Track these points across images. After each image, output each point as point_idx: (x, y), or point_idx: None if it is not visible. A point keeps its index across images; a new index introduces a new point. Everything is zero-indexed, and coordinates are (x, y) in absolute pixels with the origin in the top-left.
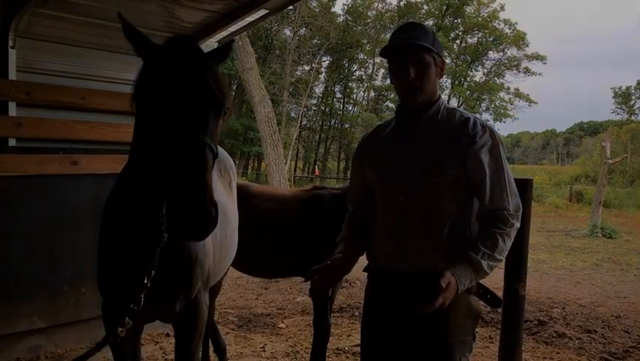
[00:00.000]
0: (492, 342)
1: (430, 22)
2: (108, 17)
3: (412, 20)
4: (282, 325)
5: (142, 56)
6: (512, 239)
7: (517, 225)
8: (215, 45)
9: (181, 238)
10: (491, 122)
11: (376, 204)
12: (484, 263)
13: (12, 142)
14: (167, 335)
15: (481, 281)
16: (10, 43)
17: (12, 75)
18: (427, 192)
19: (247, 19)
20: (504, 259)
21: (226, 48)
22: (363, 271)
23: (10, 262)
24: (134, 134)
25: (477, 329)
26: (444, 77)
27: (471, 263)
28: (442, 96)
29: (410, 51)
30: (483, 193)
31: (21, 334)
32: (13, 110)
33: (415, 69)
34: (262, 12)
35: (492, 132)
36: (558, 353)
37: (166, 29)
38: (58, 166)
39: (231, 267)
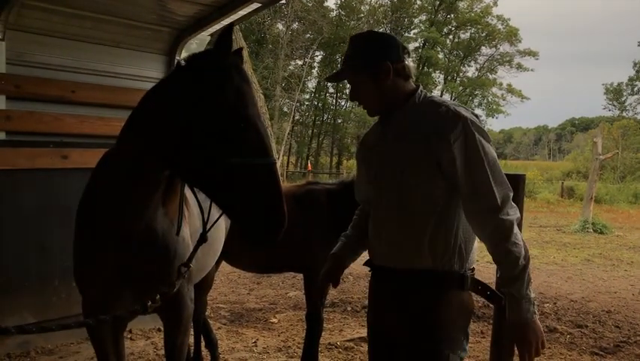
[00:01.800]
0: (484, 337)
1: (422, 18)
2: (98, 10)
3: (353, 34)
4: (274, 320)
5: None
6: (516, 225)
7: (512, 212)
8: (208, 39)
9: (255, 242)
10: (484, 117)
11: (370, 203)
12: (520, 284)
13: (1, 135)
14: (159, 330)
15: (477, 277)
16: (0, 36)
17: (1, 68)
18: (405, 192)
19: (240, 12)
20: (526, 261)
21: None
22: (364, 265)
23: (1, 256)
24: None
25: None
26: (435, 72)
27: (515, 292)
28: (421, 89)
29: (342, 78)
30: (464, 190)
31: None
32: (2, 103)
33: (351, 91)
34: (255, 5)
35: (466, 122)
36: (549, 348)
37: (159, 23)
38: (49, 160)
39: (224, 262)
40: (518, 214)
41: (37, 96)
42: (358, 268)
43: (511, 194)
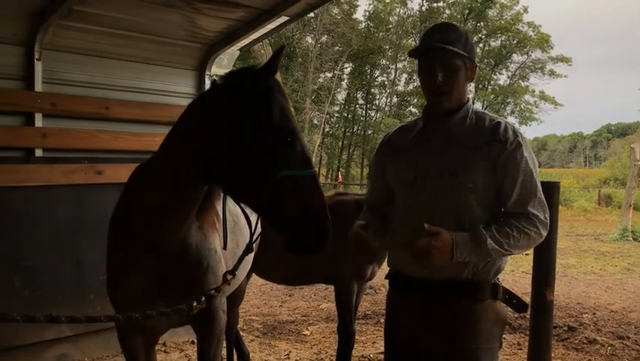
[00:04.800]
0: (520, 348)
1: None
2: (130, 28)
3: (445, 21)
4: (306, 332)
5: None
6: (532, 242)
7: (543, 233)
8: (237, 53)
9: (301, 253)
10: (517, 125)
11: (397, 207)
12: (489, 242)
13: (38, 152)
14: (192, 342)
15: (507, 286)
16: (36, 56)
17: (38, 87)
18: (454, 197)
19: (268, 26)
20: (512, 253)
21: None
22: (386, 278)
23: (38, 271)
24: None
25: (505, 336)
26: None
27: (476, 236)
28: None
29: (439, 54)
30: (508, 198)
31: (49, 342)
32: (38, 120)
33: (443, 73)
34: (283, 19)
35: (523, 138)
36: (589, 360)
37: (189, 39)
38: (84, 175)
39: (255, 274)
40: (545, 235)
41: (72, 113)
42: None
43: (548, 219)
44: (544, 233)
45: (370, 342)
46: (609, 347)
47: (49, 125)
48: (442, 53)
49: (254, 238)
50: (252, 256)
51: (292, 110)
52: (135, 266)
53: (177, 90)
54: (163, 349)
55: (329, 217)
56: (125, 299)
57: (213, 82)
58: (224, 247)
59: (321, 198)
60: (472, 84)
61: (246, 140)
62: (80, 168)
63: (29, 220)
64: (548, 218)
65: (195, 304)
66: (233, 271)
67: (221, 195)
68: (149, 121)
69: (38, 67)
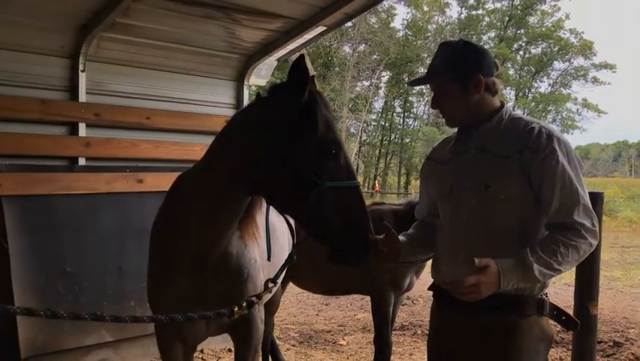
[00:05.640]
0: None
1: (491, 34)
2: (172, 39)
3: (442, 41)
4: (342, 342)
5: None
6: (582, 254)
7: (593, 242)
8: (275, 63)
9: (342, 264)
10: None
11: (439, 220)
12: (535, 268)
13: (82, 161)
14: (229, 350)
15: (553, 301)
16: (81, 67)
17: (82, 97)
18: (489, 209)
19: (305, 36)
20: (563, 271)
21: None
22: (428, 289)
23: (81, 277)
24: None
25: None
26: (506, 88)
27: (522, 262)
28: (507, 106)
29: (431, 83)
30: (548, 207)
31: (90, 347)
32: (82, 130)
33: (437, 98)
34: (320, 29)
35: (559, 141)
36: None
37: (228, 50)
38: (125, 184)
39: (294, 284)
40: (596, 243)
41: (115, 123)
42: (429, 291)
43: (597, 223)
44: (595, 242)
45: (407, 354)
46: None
47: (93, 135)
48: (430, 82)
49: (294, 248)
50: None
51: (334, 121)
52: (176, 276)
53: (216, 100)
54: (200, 356)
55: (372, 230)
56: (165, 308)
57: (257, 94)
58: (269, 258)
59: (364, 210)
60: (512, 92)
61: (291, 152)
62: (122, 177)
63: (73, 227)
64: (597, 225)
65: (236, 309)
66: (274, 279)
67: (263, 205)
68: (189, 130)
69: (82, 78)
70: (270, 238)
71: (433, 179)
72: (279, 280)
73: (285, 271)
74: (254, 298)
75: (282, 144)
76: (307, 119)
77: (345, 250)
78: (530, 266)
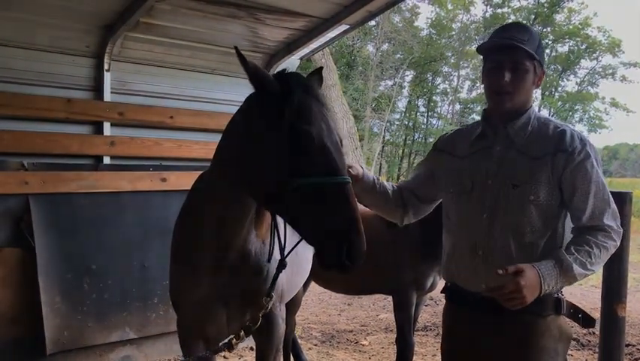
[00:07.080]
0: None
1: None
2: (196, 39)
3: (518, 21)
4: (365, 342)
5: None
6: (609, 254)
7: (619, 243)
8: (298, 62)
9: (329, 269)
10: (585, 133)
11: (449, 217)
12: (575, 268)
13: (106, 160)
14: (252, 348)
15: (575, 301)
16: (106, 67)
17: (107, 97)
18: (514, 209)
19: (328, 34)
20: (595, 271)
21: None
22: (441, 292)
23: (105, 274)
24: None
25: (572, 353)
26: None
27: (560, 263)
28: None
29: (510, 53)
30: (581, 213)
31: (114, 344)
32: (107, 129)
33: (510, 73)
34: (343, 27)
35: (592, 146)
36: None
37: (251, 49)
38: (149, 183)
39: (319, 285)
40: (619, 242)
41: (139, 122)
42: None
43: (621, 228)
44: (619, 242)
45: (430, 355)
46: None
47: (117, 134)
48: (512, 51)
49: (285, 253)
50: (309, 264)
51: (327, 111)
52: (197, 274)
53: (240, 100)
54: (222, 354)
55: (360, 231)
56: (187, 306)
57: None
58: (284, 258)
59: (349, 209)
60: (539, 90)
61: (263, 147)
62: (146, 176)
63: (98, 225)
64: (622, 230)
65: (235, 340)
66: (269, 292)
67: None
68: (212, 130)
69: (107, 77)
70: (281, 236)
71: (446, 173)
72: (302, 281)
73: (308, 272)
74: (272, 295)
75: (250, 142)
76: (278, 109)
77: (333, 253)
78: (569, 266)
